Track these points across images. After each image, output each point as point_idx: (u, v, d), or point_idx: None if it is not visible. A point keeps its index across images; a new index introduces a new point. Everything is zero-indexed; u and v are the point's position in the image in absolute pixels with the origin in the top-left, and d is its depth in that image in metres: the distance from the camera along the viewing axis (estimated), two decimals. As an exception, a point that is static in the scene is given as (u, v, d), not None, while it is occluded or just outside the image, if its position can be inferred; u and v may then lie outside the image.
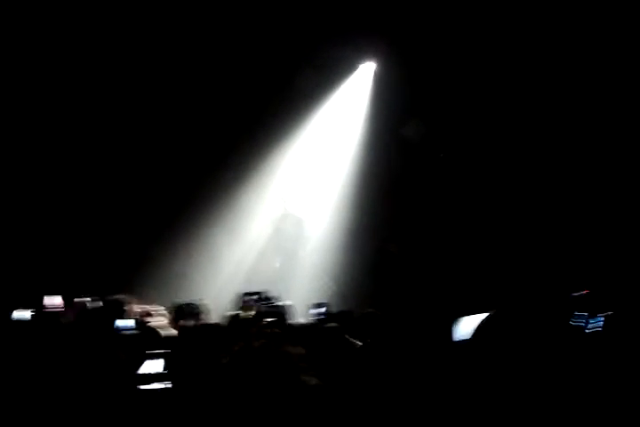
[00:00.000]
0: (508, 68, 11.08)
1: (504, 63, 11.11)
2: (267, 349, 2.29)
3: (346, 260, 11.20)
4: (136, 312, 6.66)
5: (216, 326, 5.38)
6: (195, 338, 5.20)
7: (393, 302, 7.81)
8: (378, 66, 12.33)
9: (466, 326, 5.31)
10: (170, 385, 3.38)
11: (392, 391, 3.15)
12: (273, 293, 6.23)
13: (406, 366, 3.42)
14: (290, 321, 5.62)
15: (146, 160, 11.99)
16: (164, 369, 3.46)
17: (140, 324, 5.81)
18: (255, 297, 6.13)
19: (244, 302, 6.37)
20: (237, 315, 5.92)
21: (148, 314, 6.84)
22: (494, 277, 10.02)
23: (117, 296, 6.60)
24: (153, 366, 3.44)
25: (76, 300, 6.89)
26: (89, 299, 6.84)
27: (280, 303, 6.01)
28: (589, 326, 4.20)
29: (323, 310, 5.47)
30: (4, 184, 11.15)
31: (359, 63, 12.43)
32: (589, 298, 5.56)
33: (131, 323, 5.53)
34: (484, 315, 5.40)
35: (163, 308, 7.02)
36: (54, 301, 6.43)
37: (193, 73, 11.85)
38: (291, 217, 11.83)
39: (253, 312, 5.61)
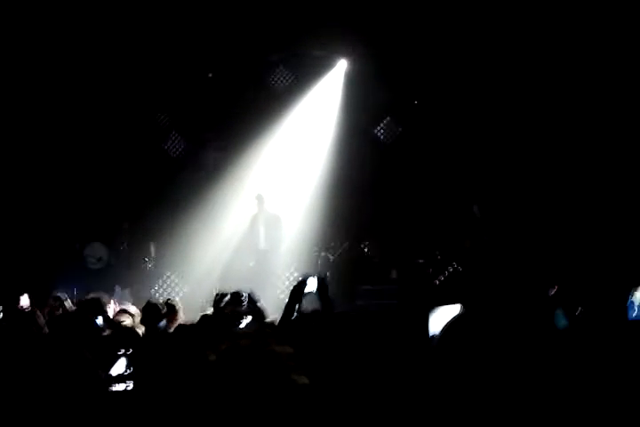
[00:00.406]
0: (484, 66, 11.13)
1: (479, 60, 11.16)
2: (254, 348, 2.26)
3: (319, 259, 11.18)
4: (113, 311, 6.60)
5: (190, 326, 5.34)
6: (166, 338, 5.17)
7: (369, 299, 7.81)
8: (350, 64, 12.32)
9: (439, 320, 5.33)
10: (130, 386, 3.34)
11: (381, 390, 3.14)
12: (248, 291, 6.18)
13: (391, 364, 3.42)
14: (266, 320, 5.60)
15: (117, 158, 11.94)
16: (127, 369, 3.42)
17: (114, 323, 5.76)
18: (228, 297, 6.08)
19: (219, 301, 6.31)
20: (210, 315, 5.88)
21: (119, 313, 6.77)
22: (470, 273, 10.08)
23: (94, 295, 6.52)
24: (119, 366, 3.40)
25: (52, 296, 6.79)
26: (64, 295, 6.75)
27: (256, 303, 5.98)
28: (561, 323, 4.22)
29: (300, 308, 5.44)
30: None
31: (332, 62, 12.41)
32: (560, 294, 5.63)
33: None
34: (456, 307, 5.44)
35: (134, 307, 6.96)
36: (23, 301, 6.29)
37: (165, 70, 11.80)
38: (265, 216, 11.77)
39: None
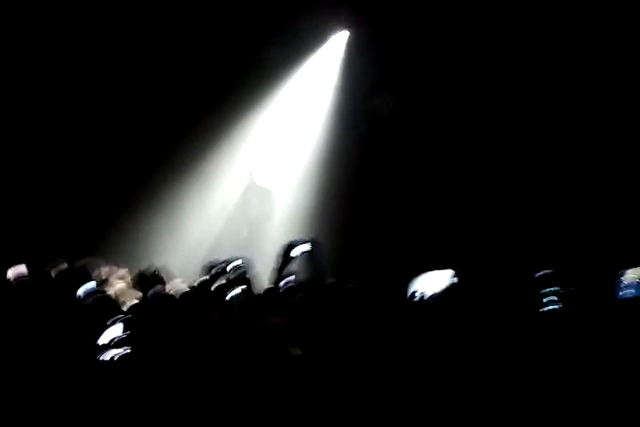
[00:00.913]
0: (486, 41, 11.07)
1: (481, 35, 11.09)
2: (247, 319, 2.27)
3: (313, 230, 11.19)
4: (102, 276, 6.59)
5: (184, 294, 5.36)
6: (160, 306, 5.19)
7: (360, 271, 7.84)
8: (350, 35, 12.23)
9: (425, 283, 5.38)
10: (129, 350, 3.35)
11: (375, 361, 3.17)
12: (240, 260, 6.18)
13: (382, 334, 3.45)
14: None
15: (114, 126, 11.90)
16: (124, 333, 3.43)
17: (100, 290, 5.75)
18: (222, 265, 6.07)
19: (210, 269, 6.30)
20: (205, 283, 5.89)
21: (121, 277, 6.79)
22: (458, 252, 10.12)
23: (84, 260, 6.51)
24: (112, 332, 3.41)
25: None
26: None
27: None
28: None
29: (291, 278, 5.44)
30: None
31: (331, 33, 12.31)
32: (554, 277, 5.64)
33: (91, 285, 5.44)
34: (444, 272, 5.48)
35: (125, 271, 6.96)
36: (19, 270, 6.25)
37: (163, 43, 11.71)
38: (257, 187, 11.79)
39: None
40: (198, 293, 5.51)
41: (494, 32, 10.96)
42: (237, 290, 5.48)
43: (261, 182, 11.85)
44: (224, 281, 5.56)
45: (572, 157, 10.51)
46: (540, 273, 6.05)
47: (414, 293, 4.91)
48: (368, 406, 2.89)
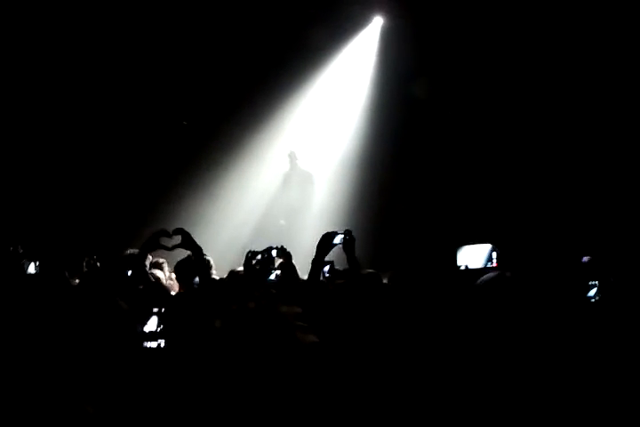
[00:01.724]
0: (518, 32, 10.95)
1: (513, 26, 10.97)
2: (261, 309, 2.27)
3: (352, 220, 11.16)
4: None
5: (220, 282, 5.37)
6: (198, 295, 5.23)
7: (398, 262, 7.80)
8: (386, 21, 12.15)
9: (469, 255, 5.36)
10: (162, 344, 3.38)
11: (391, 349, 3.15)
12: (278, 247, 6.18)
13: (408, 322, 3.43)
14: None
15: (158, 113, 11.98)
16: (158, 327, 3.46)
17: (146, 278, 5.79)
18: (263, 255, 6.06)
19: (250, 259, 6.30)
20: (237, 272, 5.90)
21: (159, 266, 6.83)
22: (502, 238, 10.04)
23: (131, 251, 6.55)
24: (151, 323, 3.44)
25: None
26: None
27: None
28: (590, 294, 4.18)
29: (327, 268, 5.44)
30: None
31: (369, 18, 12.24)
32: (593, 264, 5.58)
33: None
34: (486, 245, 5.43)
35: (163, 260, 7.00)
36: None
37: (206, 26, 11.74)
38: (298, 173, 11.75)
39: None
40: (235, 279, 5.51)
41: (533, 21, 10.83)
42: (277, 272, 5.49)
43: (303, 167, 11.78)
44: (261, 266, 5.56)
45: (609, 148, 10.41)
46: (586, 258, 6.00)
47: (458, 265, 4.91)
48: (387, 395, 2.88)
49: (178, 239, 4.75)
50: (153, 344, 3.33)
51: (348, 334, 3.35)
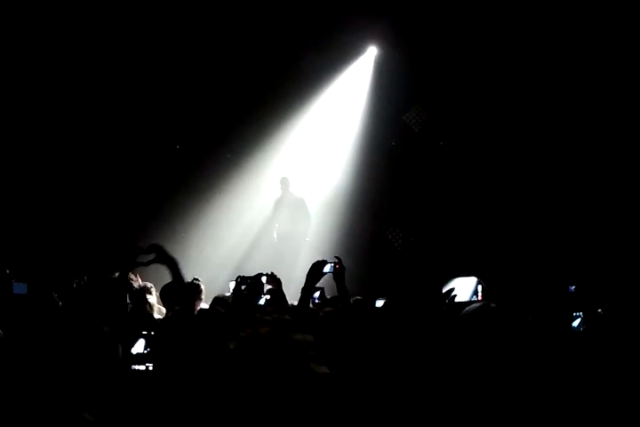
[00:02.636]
0: (514, 56, 11.06)
1: (509, 51, 11.08)
2: (273, 336, 2.25)
3: (344, 245, 11.18)
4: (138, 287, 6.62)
5: (212, 310, 5.36)
6: (189, 321, 5.22)
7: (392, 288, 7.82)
8: (380, 51, 12.28)
9: (456, 288, 5.38)
10: (150, 367, 3.38)
11: (400, 379, 3.17)
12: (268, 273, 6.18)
13: (411, 353, 3.44)
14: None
15: (151, 137, 12.02)
16: (145, 350, 3.45)
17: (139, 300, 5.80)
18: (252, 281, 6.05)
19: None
20: (222, 297, 5.89)
21: (148, 291, 6.80)
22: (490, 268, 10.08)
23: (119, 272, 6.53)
24: (139, 346, 3.44)
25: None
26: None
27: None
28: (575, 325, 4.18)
29: (317, 294, 5.45)
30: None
31: (363, 48, 12.37)
32: (579, 294, 5.60)
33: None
34: (472, 278, 5.45)
35: (150, 285, 6.99)
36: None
37: (196, 53, 11.83)
38: (289, 198, 11.73)
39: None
40: (220, 304, 5.50)
41: (523, 49, 10.96)
42: (262, 300, 5.47)
43: (294, 193, 11.79)
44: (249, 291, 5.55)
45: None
46: (573, 287, 6.03)
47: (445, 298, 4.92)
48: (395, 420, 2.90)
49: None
50: (141, 367, 3.33)
51: (350, 363, 3.36)
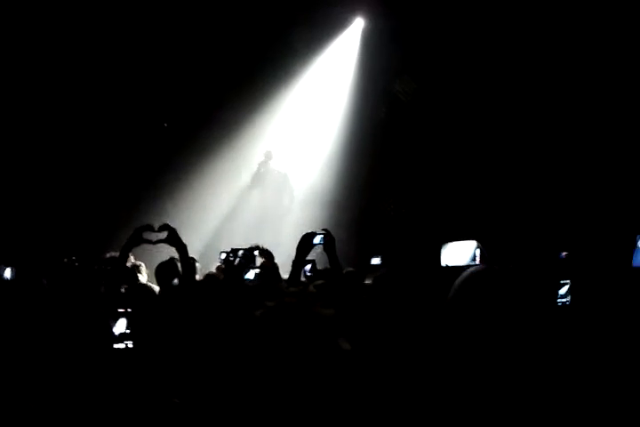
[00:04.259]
0: (503, 31, 10.98)
1: (498, 25, 11.00)
2: (300, 307, 2.18)
3: (332, 217, 11.17)
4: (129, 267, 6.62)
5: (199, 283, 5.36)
6: (178, 295, 5.21)
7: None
8: (367, 22, 12.19)
9: (452, 252, 5.36)
10: (131, 345, 3.37)
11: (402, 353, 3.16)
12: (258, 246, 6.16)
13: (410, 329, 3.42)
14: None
15: (137, 115, 11.95)
16: (127, 328, 3.44)
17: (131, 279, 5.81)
18: (245, 253, 6.04)
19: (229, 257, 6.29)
20: (213, 274, 5.89)
21: (138, 269, 6.82)
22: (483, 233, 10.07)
23: (112, 253, 6.55)
24: (120, 325, 3.43)
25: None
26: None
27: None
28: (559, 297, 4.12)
29: (308, 267, 5.45)
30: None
31: (349, 20, 12.27)
32: (569, 261, 5.58)
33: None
34: (471, 242, 5.44)
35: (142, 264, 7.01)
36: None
37: (184, 28, 11.74)
38: (272, 171, 11.64)
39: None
40: (212, 280, 5.50)
41: (514, 18, 10.86)
42: (251, 274, 5.47)
43: (278, 166, 11.72)
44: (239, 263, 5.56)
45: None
46: (564, 254, 6.02)
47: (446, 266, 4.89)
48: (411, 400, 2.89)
49: (162, 235, 4.72)
50: (121, 346, 3.32)
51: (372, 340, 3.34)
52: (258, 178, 11.59)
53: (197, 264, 7.04)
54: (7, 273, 6.11)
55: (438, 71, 11.70)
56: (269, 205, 11.50)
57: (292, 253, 4.72)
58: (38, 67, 11.33)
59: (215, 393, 2.76)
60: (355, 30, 12.32)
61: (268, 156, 11.62)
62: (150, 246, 4.78)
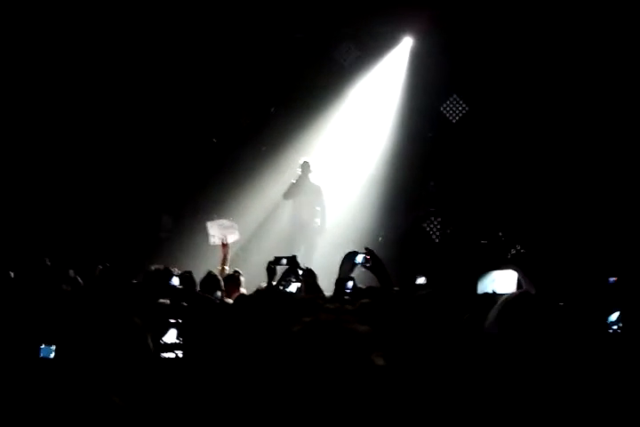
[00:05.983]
0: (548, 46, 10.91)
1: (544, 41, 10.93)
2: (336, 324, 2.20)
3: (368, 236, 11.09)
4: None
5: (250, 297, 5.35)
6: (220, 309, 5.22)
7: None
8: (415, 41, 12.18)
9: (497, 280, 5.28)
10: (180, 355, 3.40)
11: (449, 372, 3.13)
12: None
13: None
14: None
15: (183, 134, 12.08)
16: (178, 338, 3.47)
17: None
18: (285, 261, 6.01)
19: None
20: (273, 286, 5.87)
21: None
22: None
23: (156, 266, 6.58)
24: (170, 335, 3.46)
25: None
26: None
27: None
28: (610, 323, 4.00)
29: (350, 284, 5.40)
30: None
31: (398, 38, 12.28)
32: (619, 286, 5.45)
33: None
34: (509, 271, 5.37)
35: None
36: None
37: (235, 42, 11.85)
38: (307, 184, 11.32)
39: None
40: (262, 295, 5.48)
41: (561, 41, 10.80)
42: (297, 284, 5.46)
43: (312, 179, 11.35)
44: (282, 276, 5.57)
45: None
46: (613, 279, 5.89)
47: (486, 292, 4.84)
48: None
49: None
50: (171, 355, 3.35)
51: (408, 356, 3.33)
52: (293, 189, 11.31)
53: (242, 278, 7.08)
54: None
55: (487, 91, 11.64)
56: (304, 220, 11.20)
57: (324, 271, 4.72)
58: (78, 73, 11.51)
59: (248, 408, 2.75)
60: (403, 49, 12.31)
61: (305, 166, 11.23)
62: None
